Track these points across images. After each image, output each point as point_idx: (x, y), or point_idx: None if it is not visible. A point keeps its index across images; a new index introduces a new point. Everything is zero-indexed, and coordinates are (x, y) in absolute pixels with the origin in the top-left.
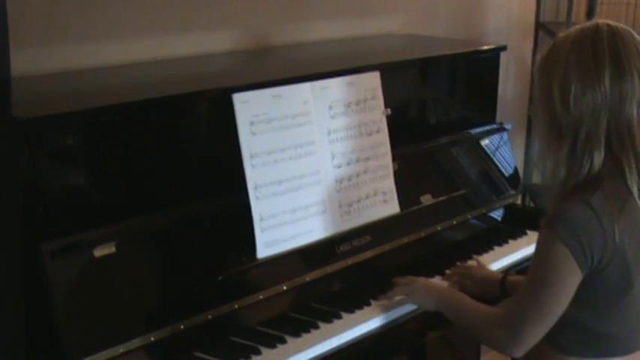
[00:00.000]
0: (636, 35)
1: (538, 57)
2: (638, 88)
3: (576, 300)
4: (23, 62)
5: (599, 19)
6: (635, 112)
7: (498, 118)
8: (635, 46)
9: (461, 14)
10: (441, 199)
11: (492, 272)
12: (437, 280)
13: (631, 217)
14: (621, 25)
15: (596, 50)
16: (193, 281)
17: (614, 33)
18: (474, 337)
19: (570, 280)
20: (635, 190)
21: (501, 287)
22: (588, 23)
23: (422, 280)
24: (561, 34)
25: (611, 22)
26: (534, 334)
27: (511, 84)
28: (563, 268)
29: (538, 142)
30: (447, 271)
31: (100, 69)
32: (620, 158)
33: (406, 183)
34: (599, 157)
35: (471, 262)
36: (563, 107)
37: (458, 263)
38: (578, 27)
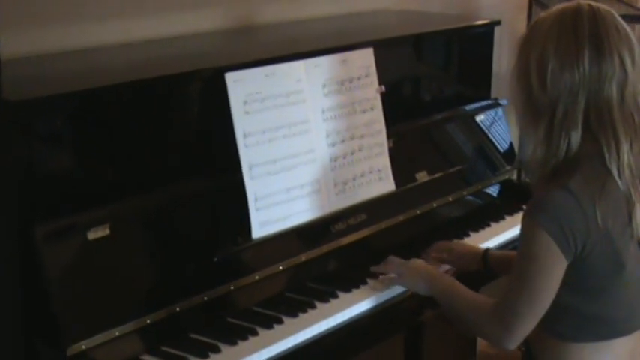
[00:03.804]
0: (617, 16)
1: (519, 36)
2: (618, 69)
3: (570, 286)
4: (13, 44)
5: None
6: (614, 92)
7: (493, 94)
8: (616, 26)
9: None
10: (436, 176)
11: (473, 246)
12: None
13: (612, 197)
14: (603, 6)
15: (576, 29)
16: (188, 262)
17: (594, 13)
18: (465, 325)
19: (556, 268)
20: (614, 171)
21: (484, 260)
22: (570, 3)
23: (416, 262)
24: (542, 14)
25: (592, 3)
26: (525, 325)
27: (505, 59)
28: (548, 257)
29: (518, 123)
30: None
31: (90, 50)
32: (598, 139)
33: (401, 160)
34: (576, 137)
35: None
36: (540, 86)
37: (454, 240)
38: (559, 6)
